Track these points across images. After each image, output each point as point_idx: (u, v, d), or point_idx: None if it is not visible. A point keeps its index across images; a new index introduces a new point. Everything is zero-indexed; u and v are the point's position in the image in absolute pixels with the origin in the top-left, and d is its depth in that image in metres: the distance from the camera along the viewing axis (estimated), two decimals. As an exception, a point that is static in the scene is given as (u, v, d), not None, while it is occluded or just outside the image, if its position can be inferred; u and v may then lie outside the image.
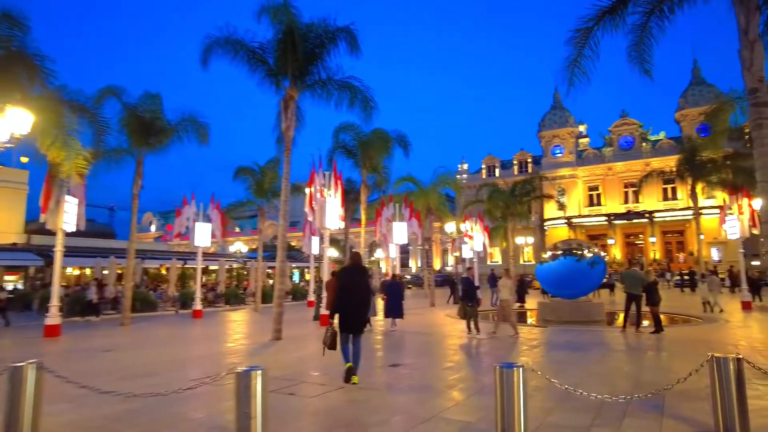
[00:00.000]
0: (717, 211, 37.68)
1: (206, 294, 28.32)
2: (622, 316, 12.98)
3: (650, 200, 46.01)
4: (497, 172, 56.04)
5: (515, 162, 56.39)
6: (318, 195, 14.64)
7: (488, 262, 49.42)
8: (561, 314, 16.97)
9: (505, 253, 44.49)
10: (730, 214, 20.53)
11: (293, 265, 43.96)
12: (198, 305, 20.81)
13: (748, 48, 7.35)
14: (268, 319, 12.51)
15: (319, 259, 22.14)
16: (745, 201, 19.90)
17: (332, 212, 14.73)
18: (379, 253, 53.63)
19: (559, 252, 17.79)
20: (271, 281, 32.72)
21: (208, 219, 22.19)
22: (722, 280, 28.66)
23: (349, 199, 27.75)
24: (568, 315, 16.76)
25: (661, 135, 50.41)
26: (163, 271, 32.69)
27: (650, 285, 12.28)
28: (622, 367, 7.83)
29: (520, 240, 36.42)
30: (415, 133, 22.62)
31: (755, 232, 19.97)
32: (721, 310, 18.06)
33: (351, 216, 31.13)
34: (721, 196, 35.84)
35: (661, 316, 12.79)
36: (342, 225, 15.54)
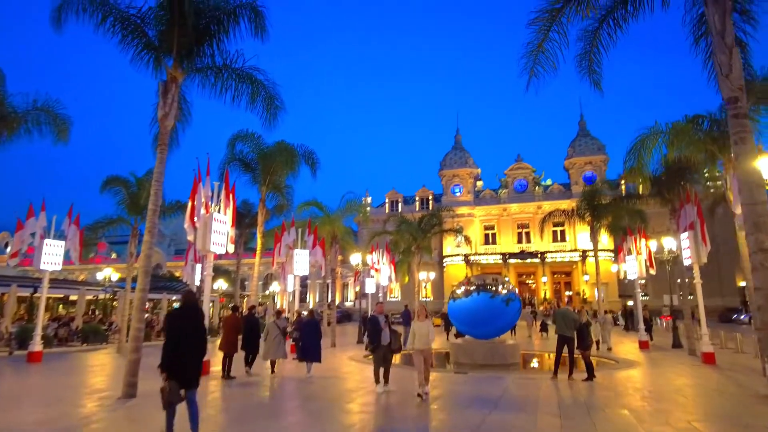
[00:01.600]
0: (604, 253, 40.41)
1: (57, 330, 23.13)
2: (538, 359, 11.71)
3: (542, 241, 48.16)
4: (400, 206, 56.23)
5: (417, 198, 57.15)
6: (202, 210, 11.81)
7: (388, 298, 48.14)
8: (475, 356, 15.64)
9: (407, 288, 43.43)
10: (629, 254, 21.05)
11: (173, 298, 38.84)
12: (37, 345, 16.26)
13: (725, 53, 6.43)
14: (129, 363, 9.30)
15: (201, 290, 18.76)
16: (642, 242, 20.48)
17: (220, 232, 11.94)
18: (274, 287, 49.83)
19: (473, 288, 16.55)
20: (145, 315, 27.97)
21: (62, 236, 17.96)
22: (615, 319, 29.98)
23: (245, 224, 24.67)
24: (482, 357, 15.49)
25: (548, 182, 53.81)
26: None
27: (582, 326, 11.13)
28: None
29: (422, 275, 35.46)
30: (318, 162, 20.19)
31: (652, 272, 20.49)
32: (609, 348, 18.78)
33: (245, 244, 27.96)
34: (607, 239, 38.25)
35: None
36: (231, 249, 12.64)
